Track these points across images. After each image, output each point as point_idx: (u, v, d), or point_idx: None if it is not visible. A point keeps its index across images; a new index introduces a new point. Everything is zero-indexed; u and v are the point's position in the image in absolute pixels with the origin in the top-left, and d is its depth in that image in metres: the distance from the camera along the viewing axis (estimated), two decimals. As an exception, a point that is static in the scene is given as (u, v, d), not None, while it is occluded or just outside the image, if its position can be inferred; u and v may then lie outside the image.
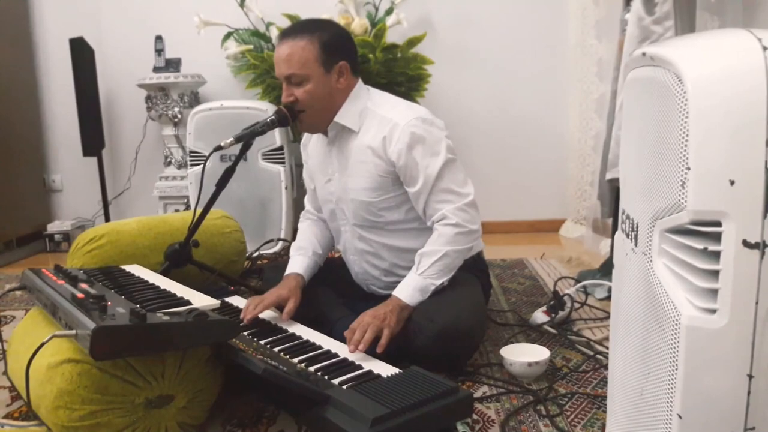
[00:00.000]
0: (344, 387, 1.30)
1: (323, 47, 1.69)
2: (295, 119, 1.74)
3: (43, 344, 1.19)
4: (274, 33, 3.31)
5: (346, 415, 1.17)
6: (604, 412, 1.38)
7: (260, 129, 1.77)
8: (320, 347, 1.53)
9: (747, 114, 0.75)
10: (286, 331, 1.62)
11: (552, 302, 2.01)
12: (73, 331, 1.18)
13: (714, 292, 0.78)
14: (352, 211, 1.82)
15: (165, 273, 1.89)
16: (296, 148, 2.50)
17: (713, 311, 0.78)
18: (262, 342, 1.54)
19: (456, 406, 1.25)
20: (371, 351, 1.52)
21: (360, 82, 1.80)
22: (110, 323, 1.15)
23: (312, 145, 1.95)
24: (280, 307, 1.73)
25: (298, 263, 1.87)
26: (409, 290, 1.65)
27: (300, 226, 2.06)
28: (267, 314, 1.73)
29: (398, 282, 1.71)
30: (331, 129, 1.79)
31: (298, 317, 1.71)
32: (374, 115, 1.75)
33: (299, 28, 1.74)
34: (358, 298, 1.92)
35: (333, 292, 1.90)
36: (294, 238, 3.23)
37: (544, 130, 3.61)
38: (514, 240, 3.48)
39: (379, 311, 1.59)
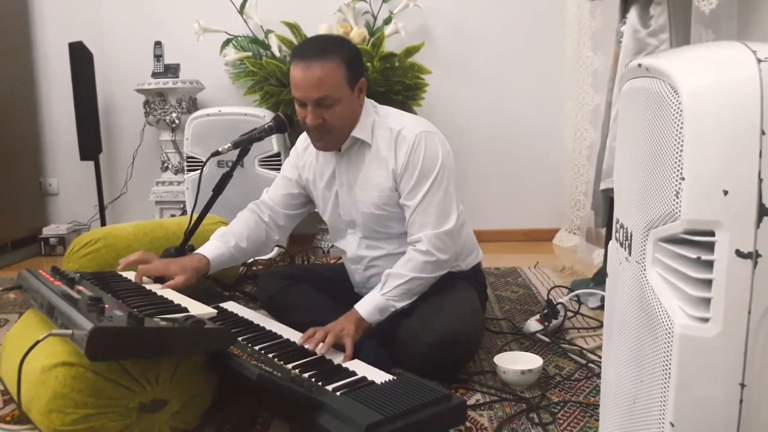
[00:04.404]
0: (338, 393, 1.29)
1: (348, 67, 1.64)
2: (293, 126, 1.74)
3: (38, 342, 1.18)
4: (273, 40, 3.32)
5: (340, 421, 1.17)
6: (597, 420, 1.38)
7: (258, 135, 1.78)
8: (314, 353, 1.52)
9: (741, 125, 0.76)
10: (281, 337, 1.62)
11: (545, 311, 2.02)
12: (70, 331, 1.17)
13: (707, 301, 0.78)
14: (362, 224, 1.81)
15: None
16: (293, 154, 2.49)
17: (706, 320, 0.78)
18: (257, 348, 1.54)
19: (449, 413, 1.25)
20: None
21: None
22: (108, 324, 1.15)
23: (311, 154, 1.89)
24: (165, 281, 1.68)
25: (212, 247, 1.81)
26: (370, 307, 1.66)
27: (238, 214, 1.93)
28: (153, 285, 1.66)
29: None
30: (345, 143, 1.76)
31: (295, 324, 1.71)
32: (382, 127, 1.74)
33: (322, 48, 1.65)
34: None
35: (331, 300, 1.90)
36: (289, 244, 3.26)
37: (539, 140, 3.63)
38: (508, 248, 3.48)
39: (338, 323, 1.61)
